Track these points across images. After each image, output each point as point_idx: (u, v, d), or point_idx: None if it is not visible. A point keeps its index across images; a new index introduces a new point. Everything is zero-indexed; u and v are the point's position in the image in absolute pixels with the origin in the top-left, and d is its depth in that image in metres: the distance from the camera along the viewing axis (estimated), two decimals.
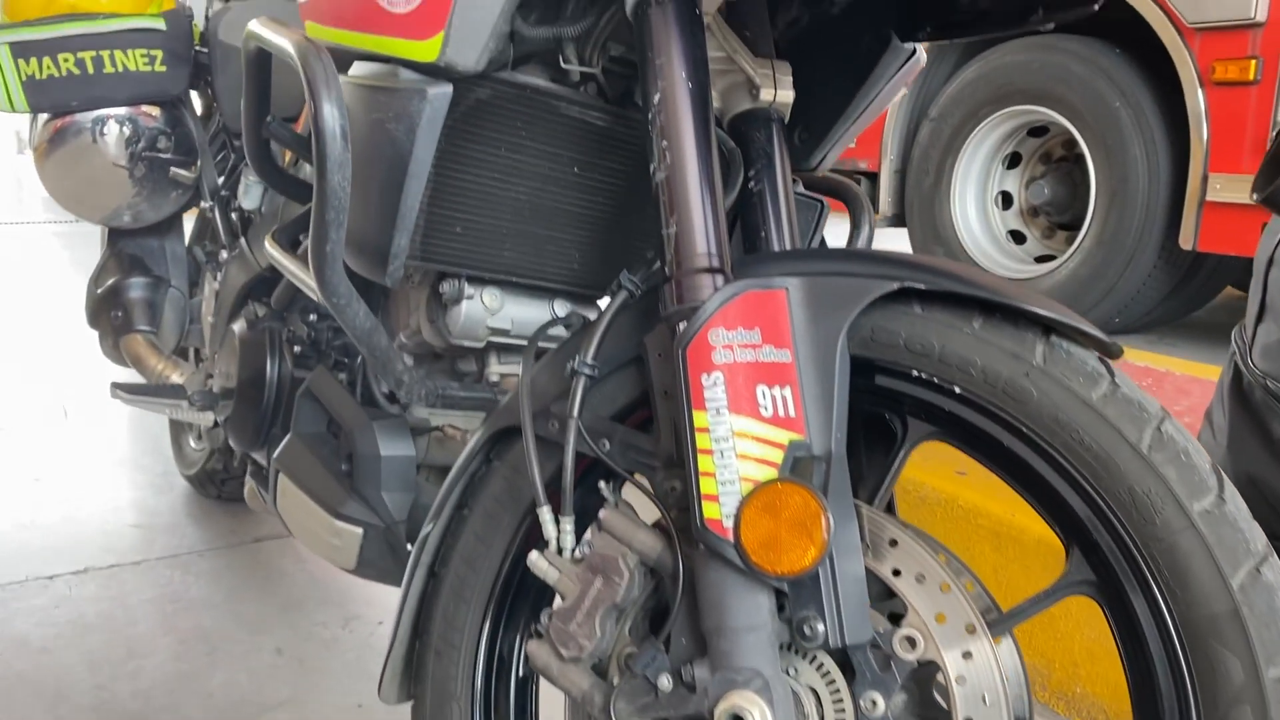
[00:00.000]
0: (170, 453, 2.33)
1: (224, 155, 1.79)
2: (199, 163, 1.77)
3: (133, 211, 1.77)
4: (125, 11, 1.65)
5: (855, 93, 1.09)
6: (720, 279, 0.79)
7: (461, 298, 1.09)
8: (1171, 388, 2.28)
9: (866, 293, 0.77)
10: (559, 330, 1.17)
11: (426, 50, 0.90)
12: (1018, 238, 3.89)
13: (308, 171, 1.33)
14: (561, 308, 1.17)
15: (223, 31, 1.72)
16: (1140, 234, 3.39)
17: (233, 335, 1.43)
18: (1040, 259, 3.90)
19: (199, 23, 1.84)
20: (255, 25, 1.04)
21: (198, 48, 1.78)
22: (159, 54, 1.67)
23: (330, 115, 0.87)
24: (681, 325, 0.78)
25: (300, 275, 1.04)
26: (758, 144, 1.00)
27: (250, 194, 1.64)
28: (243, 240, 1.55)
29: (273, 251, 1.10)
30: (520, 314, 1.14)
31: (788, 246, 0.99)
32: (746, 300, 0.77)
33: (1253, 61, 3.03)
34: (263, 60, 1.07)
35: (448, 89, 0.91)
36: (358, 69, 0.98)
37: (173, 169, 1.76)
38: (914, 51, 1.07)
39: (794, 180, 1.13)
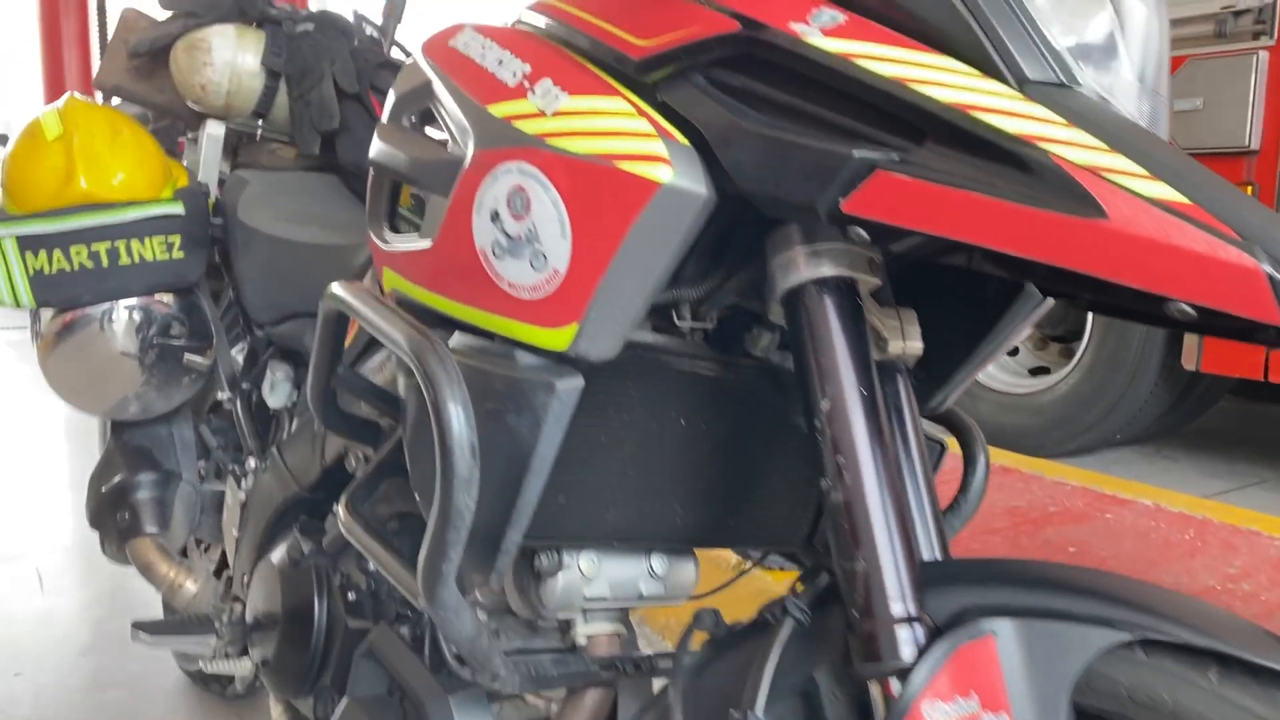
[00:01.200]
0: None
1: (241, 341, 1.68)
2: (214, 347, 1.66)
3: (142, 402, 1.64)
4: (142, 198, 1.54)
5: (982, 337, 1.01)
6: (920, 630, 0.70)
7: (559, 569, 0.98)
8: (1218, 542, 2.22)
9: (1092, 645, 0.68)
10: (655, 588, 1.07)
11: (555, 339, 0.80)
12: (1010, 350, 3.88)
13: (364, 408, 1.22)
14: (659, 563, 1.07)
15: (243, 211, 1.62)
16: (1141, 353, 3.38)
17: (271, 568, 1.30)
18: (1034, 370, 3.88)
19: (212, 192, 1.73)
20: (340, 290, 0.94)
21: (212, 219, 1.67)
22: (177, 239, 1.56)
23: (458, 429, 0.77)
24: (879, 686, 0.68)
25: (392, 569, 0.92)
26: (886, 398, 0.91)
27: (277, 391, 1.52)
28: (274, 451, 1.42)
29: (352, 530, 0.98)
30: (617, 575, 1.04)
31: (925, 504, 0.90)
32: (959, 660, 0.68)
33: (1248, 188, 3.06)
34: (342, 321, 0.97)
35: (579, 382, 0.82)
36: (459, 340, 0.88)
37: (186, 355, 1.64)
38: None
39: None
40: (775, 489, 1.08)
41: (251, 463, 1.50)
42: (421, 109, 0.94)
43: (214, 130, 1.78)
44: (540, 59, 0.83)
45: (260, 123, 1.80)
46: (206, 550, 1.90)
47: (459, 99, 0.86)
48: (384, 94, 1.83)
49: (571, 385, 0.82)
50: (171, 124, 1.90)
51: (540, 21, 0.92)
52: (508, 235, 0.81)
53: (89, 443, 3.64)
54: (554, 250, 0.78)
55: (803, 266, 0.79)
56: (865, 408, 0.75)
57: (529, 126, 0.79)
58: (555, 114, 0.78)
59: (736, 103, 0.74)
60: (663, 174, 0.73)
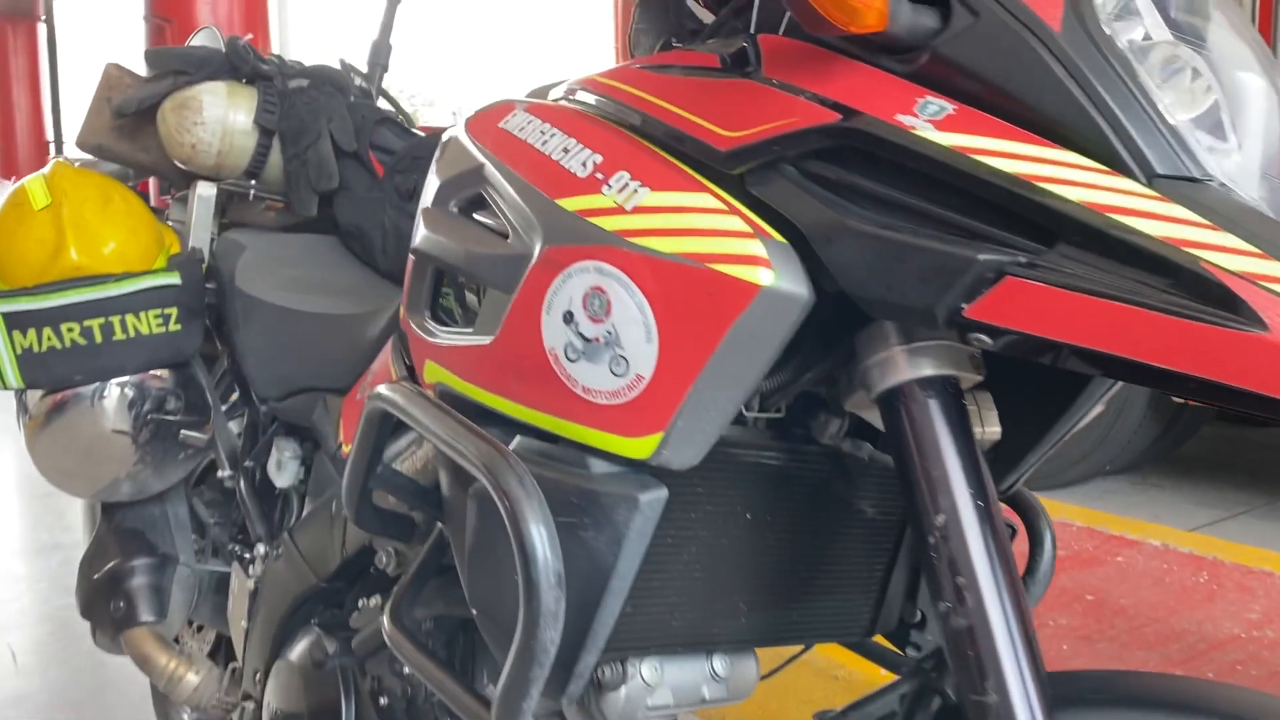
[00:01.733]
0: None
1: (238, 414, 1.59)
2: (211, 421, 1.57)
3: (135, 482, 1.56)
4: (136, 268, 1.46)
5: (1057, 417, 0.97)
6: None
7: (623, 681, 0.92)
8: (1232, 584, 2.20)
9: None
10: (718, 691, 1.01)
11: (637, 448, 0.74)
12: None
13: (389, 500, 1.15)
14: (721, 663, 1.01)
15: (241, 278, 1.54)
16: (1129, 387, 3.37)
17: (291, 667, 1.22)
18: None
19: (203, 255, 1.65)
20: (390, 392, 0.88)
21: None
22: (174, 312, 1.48)
23: (543, 556, 0.71)
24: None
25: (452, 693, 0.85)
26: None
27: (285, 471, 1.44)
28: (287, 536, 1.34)
29: (400, 647, 0.91)
30: (679, 680, 0.97)
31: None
32: None
33: None
34: (387, 423, 0.91)
35: (662, 494, 0.76)
36: (522, 445, 0.82)
37: (182, 431, 1.55)
38: None
39: None
40: (840, 578, 1.02)
41: (261, 548, 1.42)
42: (471, 195, 0.88)
43: (205, 191, 1.70)
44: (612, 148, 0.77)
45: (253, 182, 1.72)
46: (200, 631, 1.81)
47: (521, 189, 0.80)
48: (383, 150, 1.77)
49: (655, 497, 0.76)
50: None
51: (592, 99, 0.86)
52: (584, 338, 0.75)
53: (53, 503, 3.50)
54: (638, 355, 0.72)
55: (904, 366, 0.74)
56: (983, 522, 0.70)
57: (607, 223, 0.74)
58: (636, 209, 0.73)
59: (837, 198, 0.69)
60: (763, 276, 0.68)
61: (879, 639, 1.12)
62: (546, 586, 0.71)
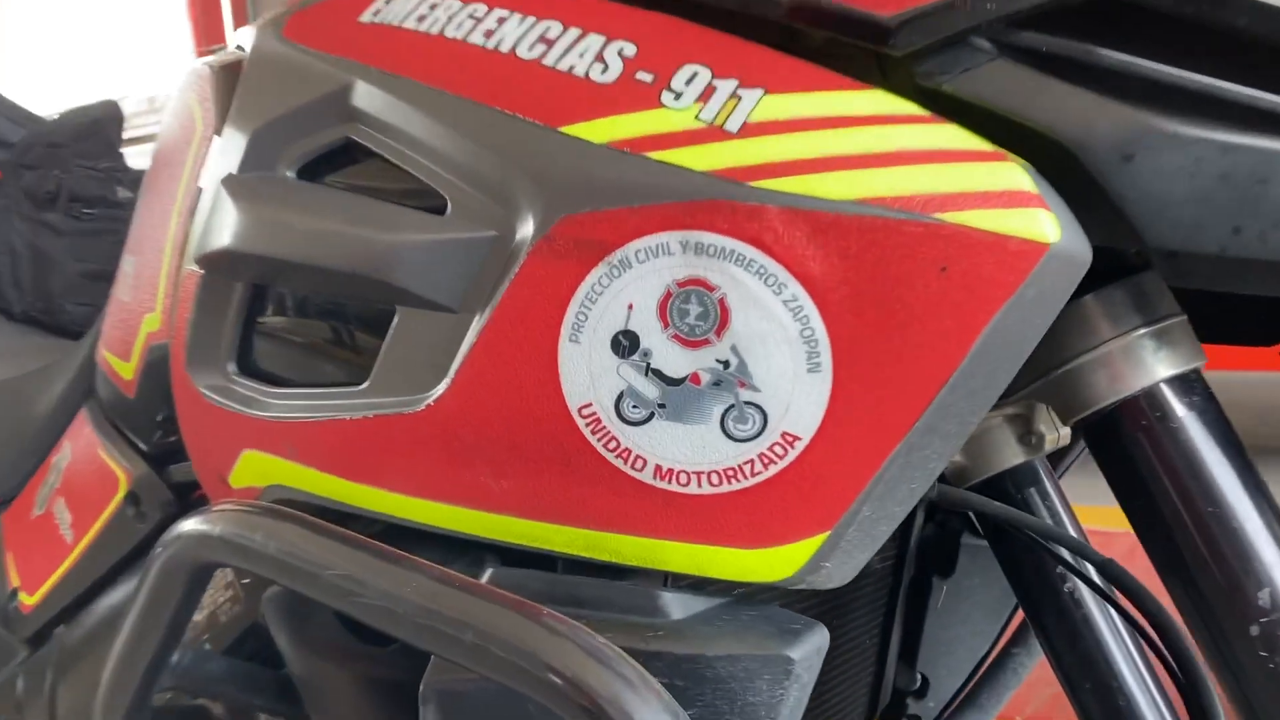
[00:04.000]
0: None
1: None
2: None
3: None
4: None
5: None
6: None
7: None
8: None
9: None
10: None
11: (769, 564, 0.41)
12: None
13: None
14: None
15: None
16: None
17: None
18: None
19: None
20: (209, 526, 0.46)
21: None
22: None
23: None
24: None
25: None
26: (1031, 503, 0.62)
27: None
28: None
29: None
30: None
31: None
32: None
33: None
34: (200, 583, 0.49)
35: (823, 638, 0.43)
36: (510, 580, 0.45)
37: None
38: None
39: None
40: (834, 665, 0.75)
41: None
42: (325, 145, 0.49)
43: None
44: (654, 29, 0.42)
45: None
46: None
47: (474, 121, 0.43)
48: None
49: (814, 647, 0.42)
50: None
51: None
52: (663, 377, 0.40)
53: None
54: (785, 399, 0.39)
55: (1149, 359, 0.47)
56: None
57: (692, 159, 0.39)
58: (749, 130, 0.39)
59: (1103, 86, 0.40)
60: (1046, 227, 0.37)
61: None
62: None
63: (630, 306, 0.40)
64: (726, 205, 0.38)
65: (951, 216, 0.37)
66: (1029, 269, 0.37)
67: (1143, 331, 0.47)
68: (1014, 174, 0.38)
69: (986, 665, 0.85)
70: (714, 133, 0.39)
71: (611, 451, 0.41)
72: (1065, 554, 0.57)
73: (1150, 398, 0.47)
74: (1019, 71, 0.40)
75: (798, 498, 0.40)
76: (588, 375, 0.41)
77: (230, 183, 0.49)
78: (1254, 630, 0.45)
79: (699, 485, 0.41)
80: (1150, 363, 0.47)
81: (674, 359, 0.40)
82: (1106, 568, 0.53)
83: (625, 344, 0.40)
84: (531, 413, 0.42)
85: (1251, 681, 0.46)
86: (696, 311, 0.39)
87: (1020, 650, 0.86)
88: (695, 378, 0.40)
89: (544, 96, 0.42)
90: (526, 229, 0.42)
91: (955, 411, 0.39)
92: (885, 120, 0.39)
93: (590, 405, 0.41)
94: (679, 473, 0.41)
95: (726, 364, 0.39)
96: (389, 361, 0.46)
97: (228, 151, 0.50)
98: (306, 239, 0.45)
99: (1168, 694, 0.59)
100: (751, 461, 0.40)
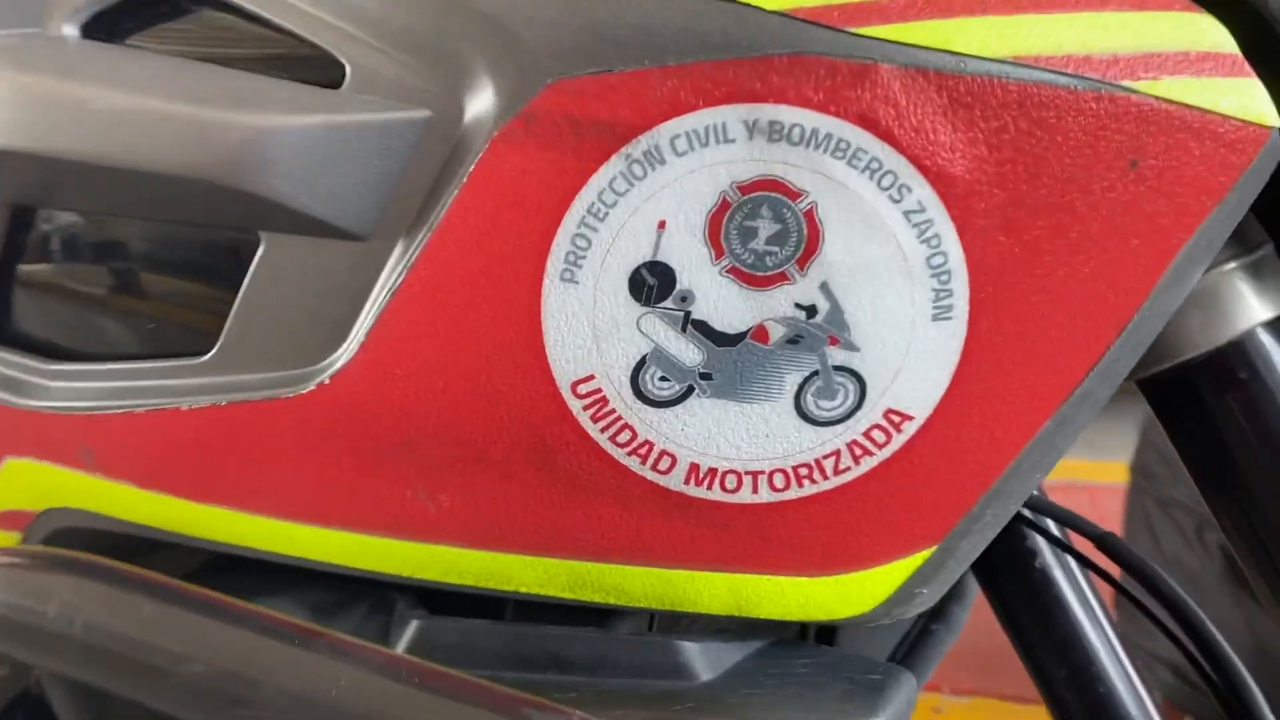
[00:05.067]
0: None
1: None
2: None
3: None
4: None
5: None
6: None
7: None
8: None
9: None
10: None
11: (851, 595, 0.29)
12: None
13: None
14: None
15: None
16: None
17: None
18: None
19: None
20: None
21: None
22: None
23: None
24: None
25: None
26: None
27: None
28: None
29: None
30: None
31: None
32: None
33: None
34: None
35: (911, 688, 0.31)
36: (442, 632, 0.30)
37: None
38: None
39: None
40: None
41: None
42: None
43: None
44: None
45: None
46: None
47: None
48: None
49: (905, 703, 0.30)
50: None
51: None
52: (710, 334, 0.26)
53: None
54: (893, 360, 0.26)
55: (1251, 298, 0.37)
56: None
57: None
58: None
59: None
60: (1265, 105, 0.26)
61: None
62: None
63: (661, 225, 0.26)
64: (818, 63, 0.25)
65: (1145, 87, 0.25)
66: (1245, 165, 0.26)
67: (1233, 265, 0.37)
68: (1212, 29, 0.26)
69: (906, 643, 0.77)
70: None
71: (622, 446, 0.28)
72: (1051, 526, 0.48)
73: (1243, 344, 0.38)
74: None
75: (898, 502, 0.28)
76: (589, 333, 0.27)
77: None
78: None
79: (754, 491, 0.28)
80: (1246, 303, 0.37)
81: (730, 305, 0.26)
82: (1106, 541, 0.44)
83: (652, 283, 0.26)
84: (493, 391, 0.28)
85: None
86: (769, 231, 0.26)
87: (940, 626, 0.78)
88: (761, 333, 0.26)
89: None
90: (483, 104, 0.27)
91: (1116, 369, 0.28)
92: None
93: (591, 379, 0.27)
94: (725, 473, 0.28)
95: (812, 310, 0.26)
96: (247, 319, 0.30)
97: None
98: (107, 125, 0.28)
99: (1148, 685, 0.52)
100: (837, 454, 0.27)
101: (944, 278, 0.26)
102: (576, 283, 0.26)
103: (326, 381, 0.28)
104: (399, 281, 0.28)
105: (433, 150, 0.27)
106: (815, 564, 0.29)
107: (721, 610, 0.29)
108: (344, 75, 0.28)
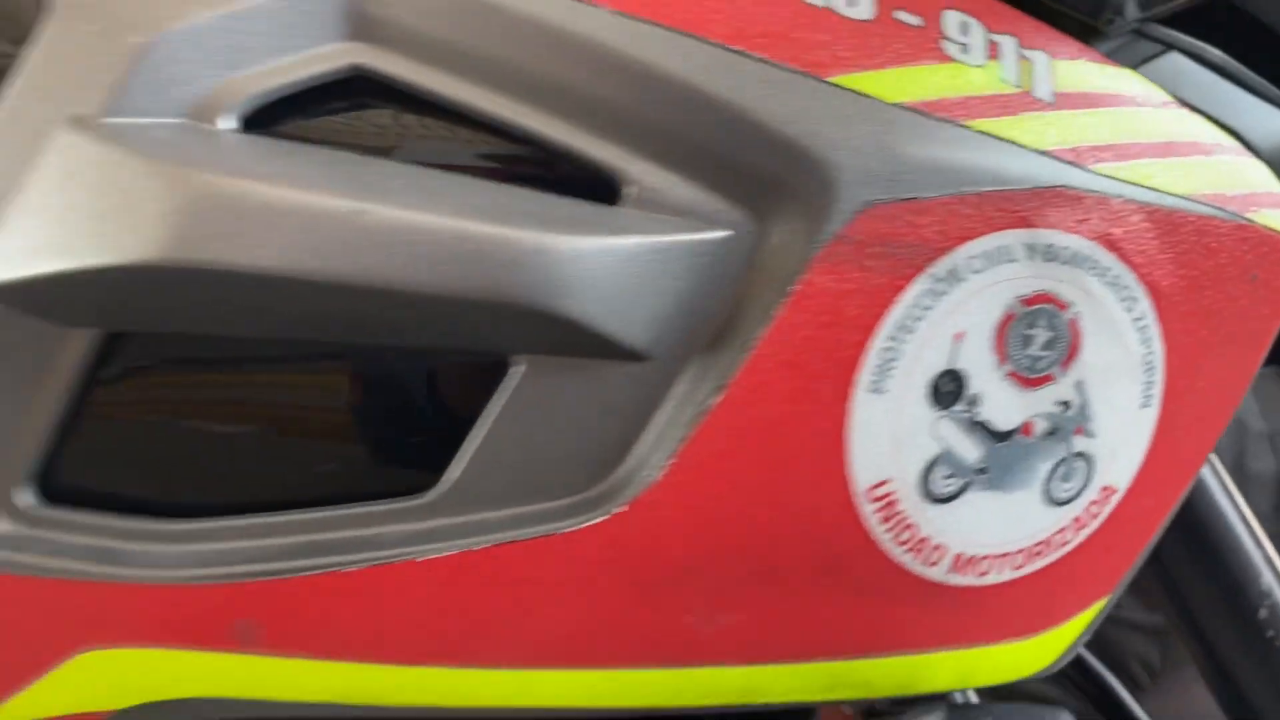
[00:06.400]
0: None
1: None
2: None
3: None
4: None
5: None
6: None
7: None
8: None
9: None
10: None
11: (1037, 653, 0.33)
12: None
13: None
14: None
15: None
16: None
17: None
18: None
19: None
20: None
21: None
22: None
23: None
24: None
25: None
26: None
27: None
28: None
29: None
30: None
31: None
32: None
33: None
34: None
35: None
36: None
37: None
38: None
39: None
40: None
41: None
42: (295, 83, 0.27)
43: None
44: None
45: None
46: None
47: (669, 53, 0.27)
48: None
49: None
50: None
51: None
52: (989, 432, 0.29)
53: None
54: (1114, 443, 0.31)
55: None
56: None
57: (1016, 130, 0.29)
58: (1060, 102, 0.30)
59: None
60: None
61: None
62: None
63: (959, 336, 0.28)
64: (1072, 196, 0.29)
65: (1259, 217, 0.33)
66: None
67: None
68: (1263, 170, 0.34)
69: None
70: (1026, 100, 0.30)
71: (903, 545, 0.29)
72: None
73: None
74: (1190, 67, 0.37)
75: (1090, 564, 0.32)
76: (889, 440, 0.28)
77: (94, 132, 0.25)
78: None
79: (999, 573, 0.31)
80: None
81: (1007, 404, 0.29)
82: None
83: (949, 390, 0.28)
84: (793, 505, 0.28)
85: None
86: (1044, 338, 0.29)
87: None
88: (1027, 428, 0.30)
89: (786, 30, 0.28)
90: (791, 225, 0.27)
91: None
92: (1151, 104, 0.33)
93: (888, 482, 0.28)
94: (981, 559, 0.30)
95: (1066, 405, 0.30)
96: (494, 449, 0.27)
97: (60, 68, 0.25)
98: (383, 244, 0.24)
99: None
100: (1064, 530, 0.31)
101: (1151, 372, 0.31)
102: (883, 392, 0.28)
103: (624, 510, 0.27)
104: (710, 403, 0.27)
105: (732, 270, 0.27)
106: (1026, 628, 0.32)
107: (949, 686, 0.32)
108: (617, 189, 0.27)
